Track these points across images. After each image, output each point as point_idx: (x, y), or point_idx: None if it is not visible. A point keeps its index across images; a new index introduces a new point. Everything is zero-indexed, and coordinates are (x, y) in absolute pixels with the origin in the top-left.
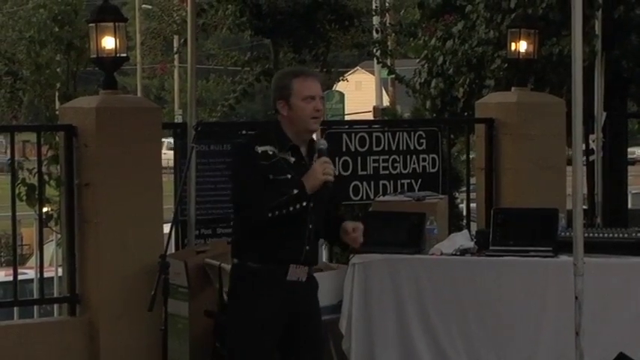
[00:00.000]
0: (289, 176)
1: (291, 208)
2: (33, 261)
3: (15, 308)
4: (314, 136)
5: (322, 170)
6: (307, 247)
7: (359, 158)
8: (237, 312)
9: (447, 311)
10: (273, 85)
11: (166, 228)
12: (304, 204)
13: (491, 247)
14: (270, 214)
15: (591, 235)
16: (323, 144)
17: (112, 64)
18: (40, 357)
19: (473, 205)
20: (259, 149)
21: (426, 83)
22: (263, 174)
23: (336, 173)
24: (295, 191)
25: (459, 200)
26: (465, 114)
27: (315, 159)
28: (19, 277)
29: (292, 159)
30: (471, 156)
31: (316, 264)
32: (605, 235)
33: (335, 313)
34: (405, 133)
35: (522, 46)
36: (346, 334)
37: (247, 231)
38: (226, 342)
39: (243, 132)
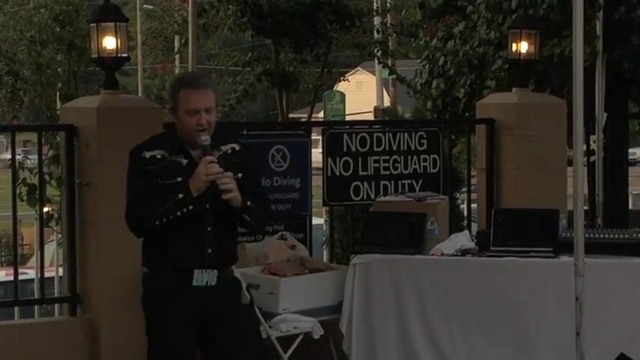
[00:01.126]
0: (179, 179)
1: (178, 213)
2: (34, 261)
3: (16, 308)
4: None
5: (205, 171)
6: (209, 250)
7: (360, 158)
8: (148, 322)
9: (447, 311)
10: (167, 90)
11: None
12: (191, 207)
13: (491, 248)
14: (157, 222)
15: (592, 235)
16: (205, 140)
17: (113, 64)
18: (40, 357)
19: (474, 205)
20: (147, 154)
21: (426, 84)
22: (151, 180)
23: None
24: (180, 195)
25: (459, 201)
26: (466, 114)
27: (199, 157)
28: (20, 277)
29: (185, 161)
30: (472, 156)
31: (230, 265)
32: (606, 235)
33: (335, 314)
34: (405, 134)
35: (523, 46)
36: (347, 335)
37: (148, 240)
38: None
39: (244, 132)
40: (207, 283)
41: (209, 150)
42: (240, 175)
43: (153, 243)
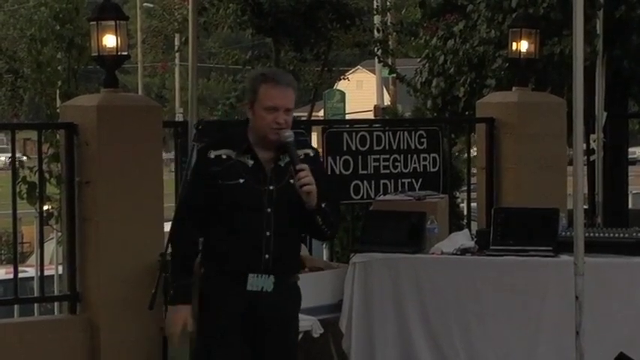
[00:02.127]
0: (241, 181)
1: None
2: (33, 259)
3: (15, 306)
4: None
5: (174, 323)
6: (267, 256)
7: (359, 157)
8: (200, 322)
9: (446, 311)
10: (246, 83)
11: (167, 226)
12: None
13: (491, 247)
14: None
15: (592, 234)
16: (289, 136)
17: (113, 62)
18: (40, 355)
19: (473, 204)
20: (213, 154)
21: (426, 82)
22: (212, 181)
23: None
24: (171, 292)
25: (459, 200)
26: (466, 113)
27: (268, 159)
28: (20, 275)
29: (250, 162)
30: (471, 155)
31: (290, 273)
32: (606, 234)
33: (335, 312)
34: (405, 133)
35: (523, 45)
36: (346, 333)
37: (207, 240)
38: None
39: None
40: (262, 288)
41: (293, 147)
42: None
43: (212, 243)
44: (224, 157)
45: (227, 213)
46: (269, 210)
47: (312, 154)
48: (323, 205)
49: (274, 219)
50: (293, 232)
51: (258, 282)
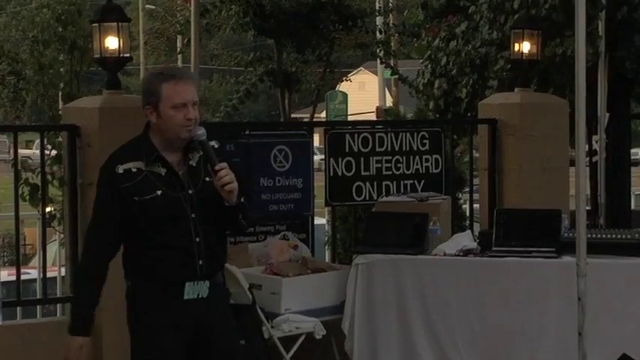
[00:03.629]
0: (159, 193)
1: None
2: (36, 261)
3: (18, 308)
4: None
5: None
6: (200, 262)
7: (362, 159)
8: (134, 337)
9: (449, 312)
10: (142, 87)
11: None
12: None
13: (494, 248)
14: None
15: (594, 235)
16: (202, 134)
17: (115, 64)
18: (42, 357)
19: (476, 205)
20: (121, 168)
21: (429, 84)
22: (126, 198)
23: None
24: (70, 322)
25: (462, 201)
26: (468, 115)
27: (178, 161)
28: (22, 277)
29: (163, 170)
30: (474, 156)
31: (219, 272)
32: (608, 235)
33: (338, 314)
34: (408, 134)
35: (525, 46)
36: (349, 335)
37: (130, 251)
38: None
39: (247, 132)
40: (198, 295)
41: (207, 143)
42: None
43: (137, 254)
44: (134, 170)
45: (150, 227)
46: (193, 215)
47: (216, 146)
48: (242, 200)
49: (200, 223)
50: (218, 231)
51: (195, 289)
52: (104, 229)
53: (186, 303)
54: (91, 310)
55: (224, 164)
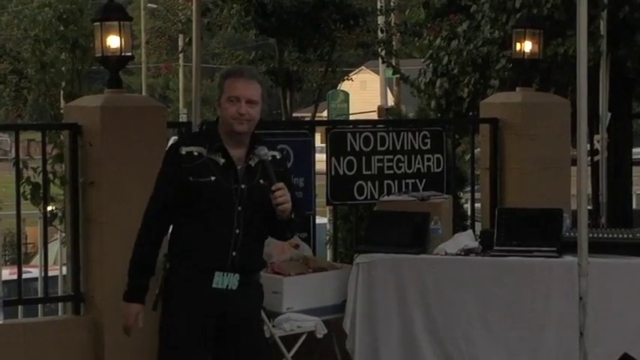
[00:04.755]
0: (212, 178)
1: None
2: (37, 260)
3: (19, 307)
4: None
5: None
6: (234, 254)
7: (363, 158)
8: (163, 317)
9: (450, 311)
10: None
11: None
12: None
13: (495, 247)
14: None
15: (596, 235)
16: (265, 154)
17: (116, 63)
18: (44, 356)
19: (477, 205)
20: (184, 150)
21: (430, 83)
22: (183, 177)
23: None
24: (126, 288)
25: (463, 200)
26: (470, 114)
27: (240, 158)
28: (24, 276)
29: (222, 160)
30: (475, 156)
31: (255, 271)
32: (610, 235)
33: (339, 313)
34: (409, 133)
35: (527, 46)
36: (350, 334)
37: (174, 235)
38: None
39: None
40: (227, 286)
41: (271, 166)
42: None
43: (179, 239)
44: (195, 153)
45: (198, 210)
46: (239, 208)
47: (278, 157)
48: (293, 216)
49: (244, 217)
50: (260, 231)
51: (224, 280)
52: (160, 205)
53: (214, 292)
54: (146, 280)
55: (281, 184)
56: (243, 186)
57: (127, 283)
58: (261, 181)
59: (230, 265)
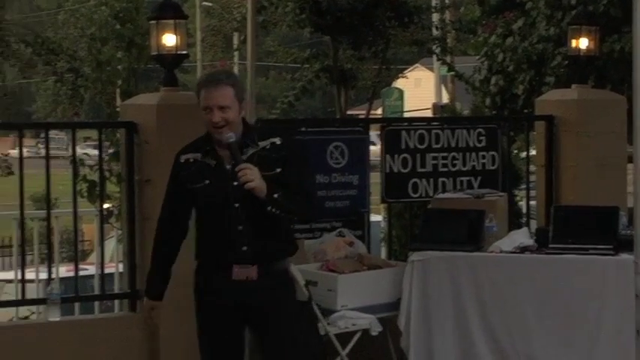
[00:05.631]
0: (206, 182)
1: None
2: (94, 257)
3: (76, 304)
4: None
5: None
6: (244, 248)
7: (418, 155)
8: (196, 313)
9: (505, 309)
10: None
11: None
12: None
13: (550, 245)
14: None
15: None
16: (230, 137)
17: (172, 61)
18: (101, 352)
19: (533, 202)
20: (182, 158)
21: (485, 80)
22: (182, 185)
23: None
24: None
25: (518, 198)
26: (525, 111)
27: (228, 156)
28: (80, 273)
29: (213, 162)
30: (530, 153)
31: (275, 261)
32: None
33: (394, 311)
34: (464, 131)
35: (583, 42)
36: (405, 332)
37: (197, 235)
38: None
39: (303, 129)
40: (247, 277)
41: (235, 147)
42: (278, 169)
43: (199, 238)
44: (191, 160)
45: (201, 213)
46: (237, 205)
47: (278, 142)
48: (275, 196)
49: (244, 213)
50: (269, 222)
51: (243, 272)
52: (168, 212)
53: (235, 284)
54: (158, 279)
55: (243, 165)
56: (235, 183)
57: (145, 282)
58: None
59: (244, 258)
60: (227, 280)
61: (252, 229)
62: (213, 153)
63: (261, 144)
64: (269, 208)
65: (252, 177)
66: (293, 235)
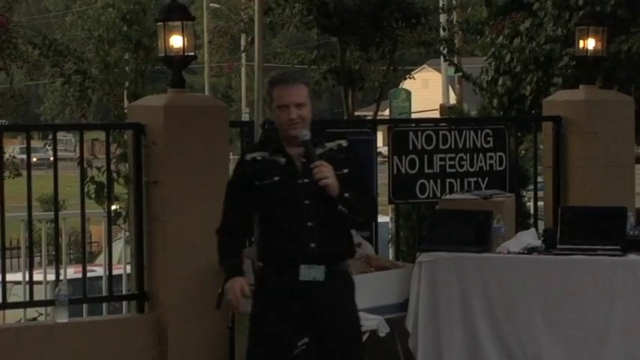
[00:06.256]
0: (276, 179)
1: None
2: (102, 258)
3: (84, 305)
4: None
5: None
6: (312, 245)
7: (425, 156)
8: (255, 312)
9: (513, 310)
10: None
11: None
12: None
13: (558, 246)
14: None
15: None
16: (305, 135)
17: (179, 62)
18: (108, 354)
19: (540, 203)
20: (249, 157)
21: (493, 81)
22: (250, 182)
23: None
24: (224, 275)
25: (526, 198)
26: (533, 112)
27: (298, 155)
28: (88, 275)
29: (283, 160)
30: (538, 154)
31: (340, 261)
32: None
33: (401, 311)
34: (471, 131)
35: (590, 43)
36: (412, 333)
37: (260, 235)
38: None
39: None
40: (314, 277)
41: (311, 145)
42: (345, 170)
43: (263, 238)
44: (258, 158)
45: (269, 210)
46: (307, 202)
47: (344, 145)
48: (346, 195)
49: (314, 210)
50: (336, 222)
51: (310, 272)
52: (230, 210)
53: (302, 284)
54: (237, 259)
55: (318, 162)
56: (306, 180)
57: (223, 270)
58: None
59: (312, 257)
60: (293, 281)
61: (321, 227)
62: (283, 151)
63: (328, 145)
64: (339, 207)
65: (328, 174)
66: (352, 237)
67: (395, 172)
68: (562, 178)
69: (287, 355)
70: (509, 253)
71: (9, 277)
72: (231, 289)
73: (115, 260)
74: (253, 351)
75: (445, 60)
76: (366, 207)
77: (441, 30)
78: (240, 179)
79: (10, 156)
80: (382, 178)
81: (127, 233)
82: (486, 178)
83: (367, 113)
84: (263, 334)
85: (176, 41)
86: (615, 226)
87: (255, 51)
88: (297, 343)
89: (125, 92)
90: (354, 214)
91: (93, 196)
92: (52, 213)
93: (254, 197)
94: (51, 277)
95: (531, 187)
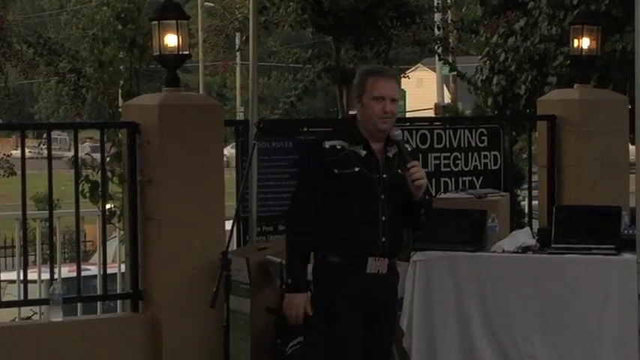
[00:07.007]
0: (356, 169)
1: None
2: (96, 257)
3: (78, 304)
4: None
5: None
6: (383, 239)
7: (420, 155)
8: (318, 306)
9: (508, 309)
10: (354, 80)
11: (228, 225)
12: (289, 281)
13: (553, 245)
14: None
15: None
16: (398, 134)
17: (174, 61)
18: (103, 353)
19: (535, 202)
20: (327, 144)
21: (487, 80)
22: (328, 170)
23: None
24: (290, 280)
25: (520, 197)
26: (527, 111)
27: (380, 150)
28: (83, 274)
29: (363, 152)
30: (532, 153)
31: (397, 256)
32: None
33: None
34: (466, 131)
35: (585, 42)
36: (407, 332)
37: (324, 226)
38: (311, 333)
39: (305, 129)
40: (379, 270)
41: (404, 144)
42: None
43: (329, 229)
44: (338, 147)
45: (344, 201)
46: (383, 197)
47: (409, 149)
48: (427, 197)
49: (387, 205)
50: (400, 219)
51: (376, 265)
52: (311, 197)
53: (368, 277)
54: (305, 270)
55: (416, 162)
56: (384, 176)
57: (287, 274)
58: (399, 170)
59: (381, 250)
60: (360, 273)
61: (391, 222)
62: (365, 143)
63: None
64: (423, 209)
65: (424, 175)
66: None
67: None
68: (557, 177)
69: (358, 345)
70: (503, 252)
71: (3, 275)
72: (294, 307)
73: (109, 259)
74: (325, 341)
75: (440, 59)
76: (432, 210)
77: (436, 29)
78: (318, 165)
79: (4, 155)
80: None
81: (122, 232)
82: (481, 177)
83: None
84: (334, 324)
85: (171, 40)
86: (610, 225)
87: (250, 50)
88: (361, 333)
89: (120, 91)
90: (426, 217)
91: (87, 195)
92: (47, 212)
93: (328, 186)
94: (45, 276)
95: (526, 186)
